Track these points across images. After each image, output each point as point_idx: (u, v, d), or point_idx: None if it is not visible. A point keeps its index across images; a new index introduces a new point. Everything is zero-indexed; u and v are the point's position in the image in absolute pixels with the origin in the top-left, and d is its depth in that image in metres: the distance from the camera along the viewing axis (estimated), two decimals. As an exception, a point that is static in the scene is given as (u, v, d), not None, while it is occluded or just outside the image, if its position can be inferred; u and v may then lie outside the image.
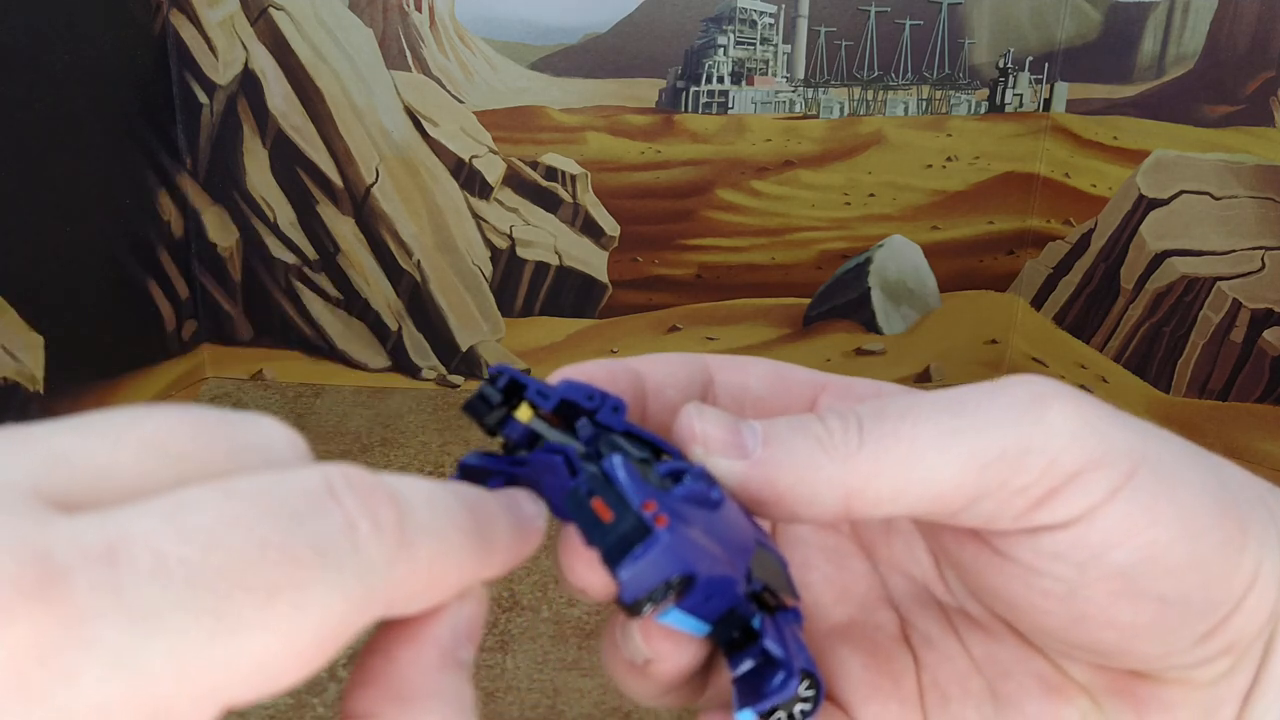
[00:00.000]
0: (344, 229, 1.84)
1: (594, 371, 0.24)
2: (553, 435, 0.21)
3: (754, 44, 1.82)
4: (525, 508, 0.20)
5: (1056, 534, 0.21)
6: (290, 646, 0.14)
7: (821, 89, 1.85)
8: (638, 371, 0.25)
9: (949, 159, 1.88)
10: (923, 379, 1.99)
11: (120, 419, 0.15)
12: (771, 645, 0.21)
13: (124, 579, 0.13)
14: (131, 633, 0.12)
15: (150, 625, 0.13)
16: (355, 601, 0.15)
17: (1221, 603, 0.20)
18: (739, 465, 0.21)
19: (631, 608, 0.18)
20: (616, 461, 0.19)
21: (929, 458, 0.20)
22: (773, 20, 1.81)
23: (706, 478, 0.20)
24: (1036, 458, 0.20)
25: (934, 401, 0.21)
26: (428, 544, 0.16)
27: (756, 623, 0.21)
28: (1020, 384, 0.21)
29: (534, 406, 0.21)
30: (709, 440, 0.21)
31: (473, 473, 0.21)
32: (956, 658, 0.26)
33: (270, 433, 0.17)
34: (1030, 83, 1.85)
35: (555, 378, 0.23)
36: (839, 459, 0.21)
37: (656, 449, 0.21)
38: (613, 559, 0.18)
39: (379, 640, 0.19)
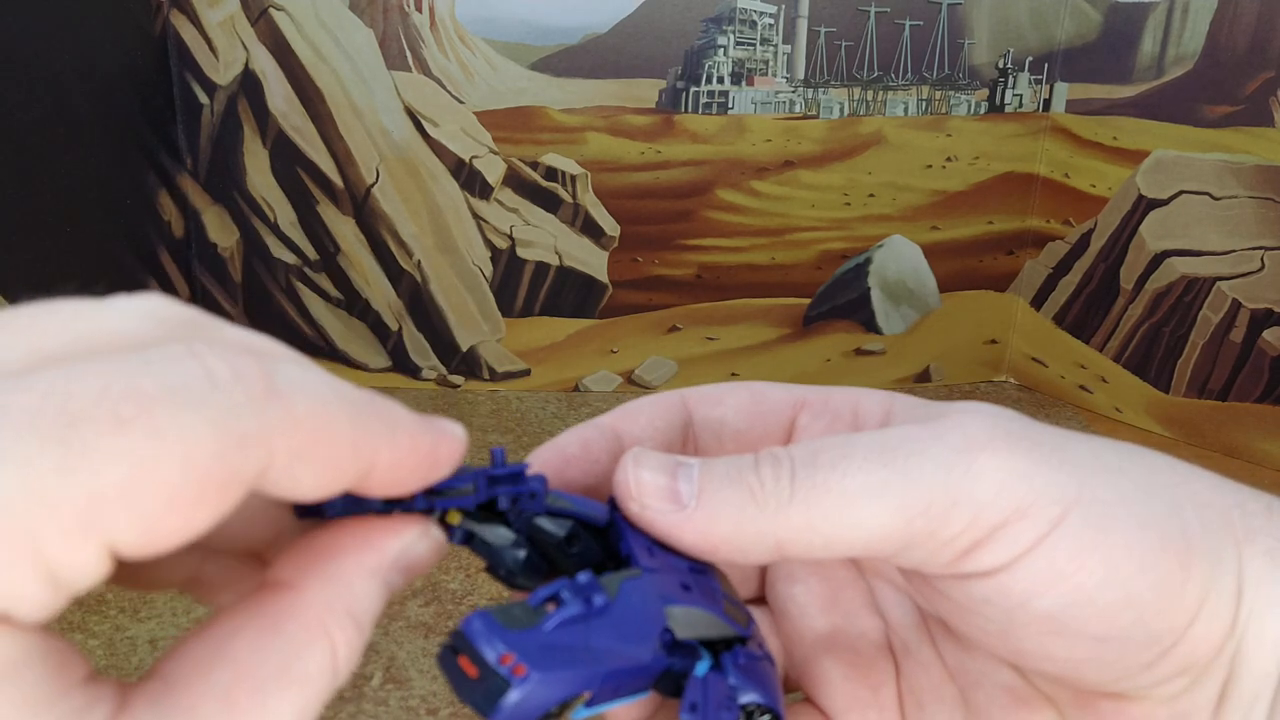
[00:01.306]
0: (344, 229, 1.84)
1: (568, 447, 0.25)
2: (485, 533, 0.22)
3: (754, 44, 1.82)
4: (443, 423, 0.20)
5: (983, 581, 0.21)
6: (157, 478, 0.14)
7: (821, 89, 1.85)
8: (615, 432, 0.26)
9: (949, 159, 1.88)
10: (922, 379, 1.99)
11: (14, 324, 0.16)
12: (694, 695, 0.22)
13: None
14: None
15: None
16: (226, 436, 0.15)
17: (1162, 635, 0.20)
18: (673, 518, 0.21)
19: None
20: (473, 620, 0.20)
21: (857, 510, 0.21)
22: (773, 20, 1.81)
23: (585, 589, 0.21)
24: (962, 510, 0.20)
25: (867, 448, 0.21)
26: (304, 401, 0.16)
27: (701, 670, 0.22)
28: (955, 428, 0.21)
29: (462, 510, 0.22)
30: (643, 489, 0.22)
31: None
32: (931, 666, 0.26)
33: (135, 310, 0.17)
34: (1030, 83, 1.85)
35: (533, 460, 0.24)
36: (770, 511, 0.21)
37: (584, 522, 0.23)
38: (483, 712, 0.19)
39: (327, 533, 0.19)
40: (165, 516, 0.14)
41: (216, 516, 0.15)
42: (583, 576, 0.21)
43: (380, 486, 0.18)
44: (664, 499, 0.22)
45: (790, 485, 0.21)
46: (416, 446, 0.19)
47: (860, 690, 0.26)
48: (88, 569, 0.14)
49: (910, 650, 0.26)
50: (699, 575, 0.23)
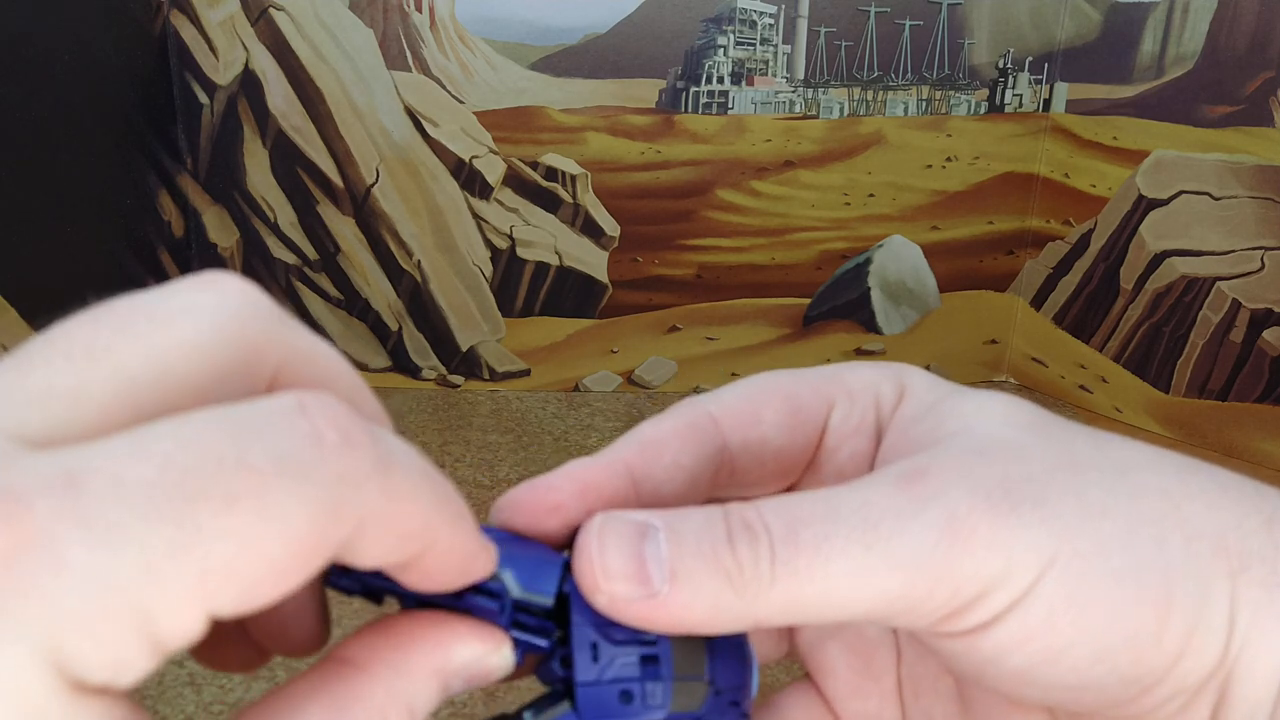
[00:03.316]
0: (344, 229, 1.84)
1: (555, 493, 0.22)
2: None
3: (754, 44, 1.82)
4: (487, 539, 0.20)
5: (955, 640, 0.21)
6: (260, 552, 0.15)
7: (821, 89, 1.85)
8: (631, 475, 0.23)
9: (949, 159, 1.88)
10: (923, 379, 1.99)
11: (84, 343, 0.16)
12: None
13: (83, 501, 0.14)
14: (95, 548, 0.13)
15: (113, 539, 0.13)
16: (327, 510, 0.15)
17: (1139, 679, 0.20)
18: (642, 607, 0.20)
19: None
20: None
21: (839, 593, 0.20)
22: (773, 20, 1.81)
23: None
24: (942, 588, 0.20)
25: (850, 526, 0.20)
26: (403, 477, 0.17)
27: None
28: (937, 498, 0.20)
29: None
30: (611, 577, 0.20)
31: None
32: (929, 656, 0.26)
33: (203, 306, 0.17)
34: (1030, 83, 1.85)
35: (511, 503, 0.22)
36: (748, 598, 0.20)
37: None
38: None
39: (404, 620, 0.20)
40: (263, 584, 0.15)
41: (305, 579, 0.16)
42: None
43: (420, 572, 0.18)
44: (631, 583, 0.20)
45: (770, 569, 0.20)
46: (468, 545, 0.19)
47: (863, 680, 0.26)
48: (188, 634, 0.15)
49: (913, 638, 0.26)
50: (649, 666, 0.22)
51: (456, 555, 0.19)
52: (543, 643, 0.21)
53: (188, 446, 0.14)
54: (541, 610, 0.21)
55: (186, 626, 0.14)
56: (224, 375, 0.17)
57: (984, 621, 0.20)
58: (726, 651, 0.23)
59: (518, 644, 0.21)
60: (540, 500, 0.22)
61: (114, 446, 0.14)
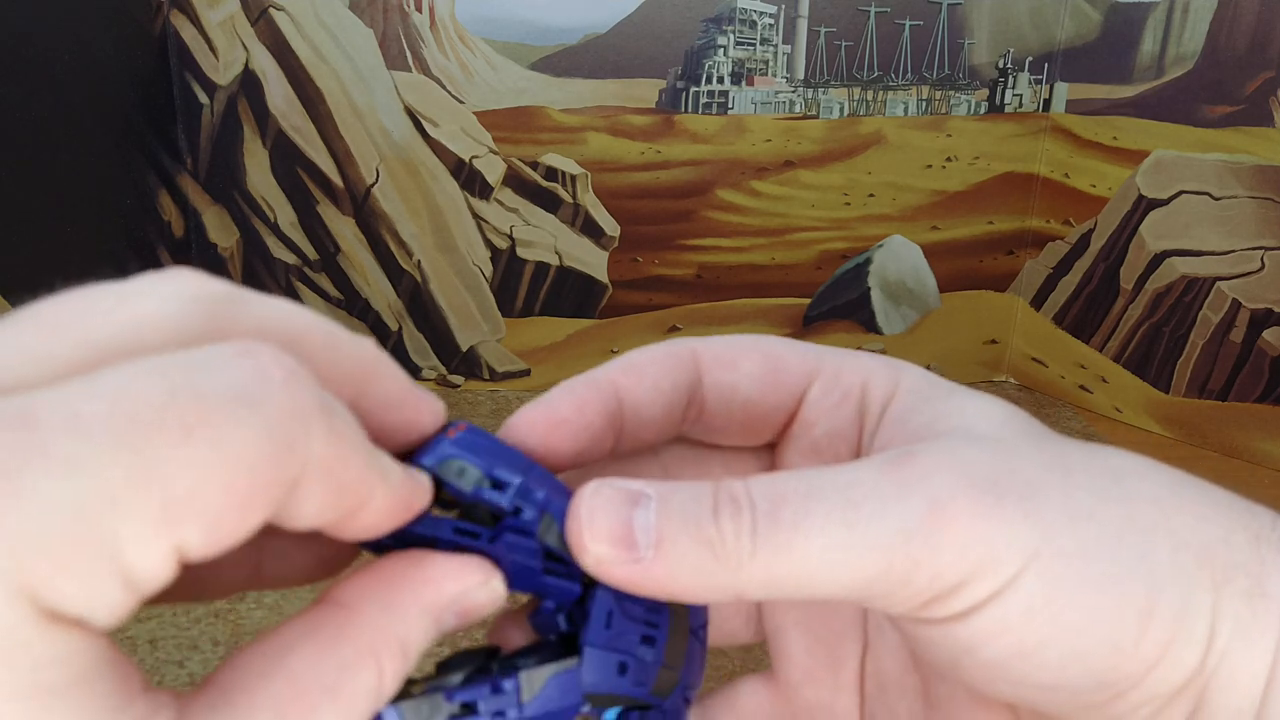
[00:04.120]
0: (344, 229, 1.84)
1: (560, 409, 0.24)
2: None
3: (754, 44, 1.82)
4: (416, 473, 0.21)
5: (931, 627, 0.21)
6: (221, 482, 0.15)
7: (821, 89, 1.85)
8: (616, 391, 0.25)
9: (949, 159, 1.88)
10: (923, 379, 1.98)
11: (51, 317, 0.17)
12: None
13: (41, 435, 0.14)
14: (55, 477, 0.14)
15: (72, 469, 0.14)
16: (280, 443, 0.16)
17: (1115, 684, 0.20)
18: (628, 570, 0.21)
19: None
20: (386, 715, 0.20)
21: (817, 570, 0.21)
22: (773, 20, 1.81)
23: (503, 702, 0.21)
24: (921, 573, 0.20)
25: (831, 503, 0.21)
26: (345, 424, 0.17)
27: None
28: (921, 481, 0.21)
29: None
30: (597, 537, 0.21)
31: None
32: (898, 651, 0.26)
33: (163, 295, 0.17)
34: (1030, 83, 1.85)
35: (520, 420, 0.24)
36: (730, 567, 0.21)
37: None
38: None
39: (391, 560, 0.20)
40: (226, 518, 0.15)
41: (265, 517, 0.16)
42: (507, 683, 0.21)
43: (355, 530, 0.19)
44: (618, 547, 0.21)
45: (752, 541, 0.21)
46: (398, 498, 0.19)
47: (821, 669, 0.27)
48: (159, 571, 0.15)
49: (882, 630, 0.27)
50: (647, 646, 0.23)
51: (390, 511, 0.19)
52: (575, 588, 0.22)
53: (139, 382, 0.15)
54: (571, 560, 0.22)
55: (156, 561, 0.15)
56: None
57: (962, 610, 0.20)
58: (695, 649, 0.24)
59: (551, 589, 0.22)
60: (548, 417, 0.25)
61: (69, 387, 0.15)
